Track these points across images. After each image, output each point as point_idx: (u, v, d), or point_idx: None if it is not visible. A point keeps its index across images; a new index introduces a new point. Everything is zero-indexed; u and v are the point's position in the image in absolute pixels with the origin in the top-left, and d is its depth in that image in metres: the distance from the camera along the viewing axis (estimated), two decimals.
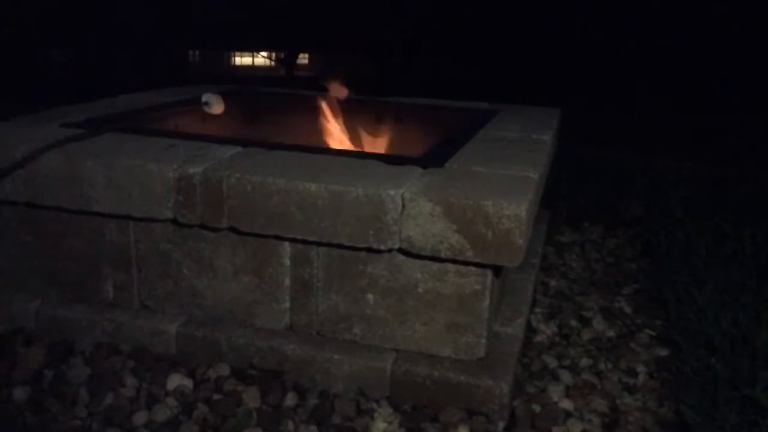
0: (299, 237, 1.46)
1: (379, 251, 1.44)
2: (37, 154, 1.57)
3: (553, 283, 2.18)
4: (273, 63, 8.27)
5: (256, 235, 1.50)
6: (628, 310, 2.02)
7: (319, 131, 2.06)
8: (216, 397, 1.47)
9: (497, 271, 1.48)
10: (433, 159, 1.61)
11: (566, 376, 1.63)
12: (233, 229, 1.50)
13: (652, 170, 3.39)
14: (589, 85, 5.14)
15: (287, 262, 1.55)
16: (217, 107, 2.09)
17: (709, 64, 5.29)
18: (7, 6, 5.26)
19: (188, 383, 1.51)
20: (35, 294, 1.71)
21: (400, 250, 1.43)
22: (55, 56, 6.13)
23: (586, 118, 3.94)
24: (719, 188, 3.12)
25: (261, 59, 8.62)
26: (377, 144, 2.05)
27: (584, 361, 1.71)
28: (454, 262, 1.42)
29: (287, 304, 1.58)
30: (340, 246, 1.46)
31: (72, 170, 1.55)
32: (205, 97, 2.10)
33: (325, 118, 2.08)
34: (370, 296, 1.51)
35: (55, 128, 1.78)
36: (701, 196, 2.96)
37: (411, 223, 1.38)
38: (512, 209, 1.32)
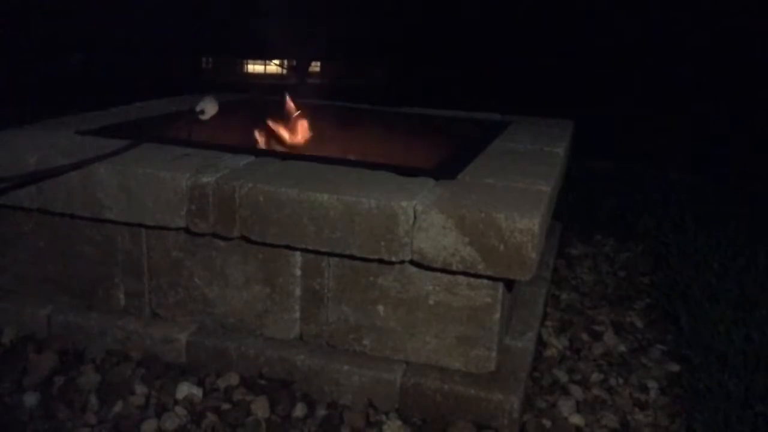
0: (310, 247, 1.46)
1: (390, 263, 1.44)
2: (51, 161, 1.58)
3: (564, 296, 2.16)
4: (285, 71, 8.30)
5: (268, 245, 1.50)
6: (639, 324, 2.01)
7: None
8: (225, 406, 1.47)
9: (509, 284, 1.47)
10: (445, 171, 1.61)
11: (577, 391, 1.62)
12: (245, 239, 1.51)
13: (665, 183, 3.37)
14: (598, 96, 5.12)
15: (298, 272, 1.55)
16: (211, 110, 2.08)
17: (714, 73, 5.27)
18: (24, 11, 5.32)
19: (197, 392, 1.51)
20: (47, 300, 1.72)
21: (412, 262, 1.42)
22: (72, 61, 6.18)
23: (600, 129, 3.93)
24: (732, 201, 3.10)
25: (273, 67, 8.66)
26: (389, 155, 2.05)
27: (595, 376, 1.70)
28: (465, 274, 1.41)
29: (297, 314, 1.58)
30: (351, 257, 1.46)
31: (85, 178, 1.56)
32: (199, 106, 2.09)
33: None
34: (380, 308, 1.51)
35: (69, 135, 1.79)
36: (714, 209, 2.94)
37: (423, 235, 1.38)
38: (525, 223, 1.32)
